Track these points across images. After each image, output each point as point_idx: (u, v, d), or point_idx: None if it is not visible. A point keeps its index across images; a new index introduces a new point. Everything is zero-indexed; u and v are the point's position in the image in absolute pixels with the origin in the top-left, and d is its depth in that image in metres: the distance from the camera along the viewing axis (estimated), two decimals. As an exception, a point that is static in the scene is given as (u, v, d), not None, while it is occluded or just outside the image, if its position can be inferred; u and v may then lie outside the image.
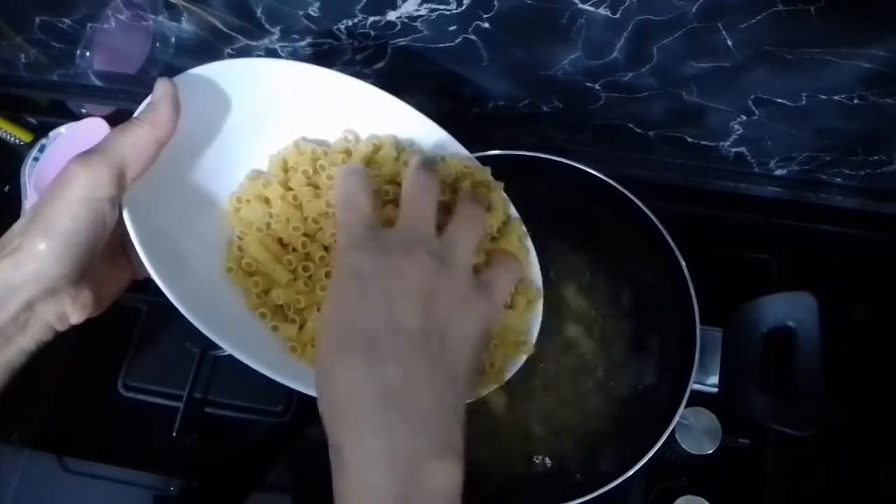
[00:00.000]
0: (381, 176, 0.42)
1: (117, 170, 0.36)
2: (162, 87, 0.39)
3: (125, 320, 0.66)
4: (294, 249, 0.41)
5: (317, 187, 0.42)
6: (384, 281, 0.34)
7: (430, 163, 0.40)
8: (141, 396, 0.64)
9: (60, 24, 0.64)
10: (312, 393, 0.35)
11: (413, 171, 0.38)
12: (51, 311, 0.37)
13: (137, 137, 0.37)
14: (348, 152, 0.45)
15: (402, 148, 0.45)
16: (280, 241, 0.42)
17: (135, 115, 0.39)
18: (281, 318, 0.41)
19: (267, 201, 0.43)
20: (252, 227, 0.43)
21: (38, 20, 0.64)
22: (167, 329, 0.65)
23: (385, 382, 0.32)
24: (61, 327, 0.38)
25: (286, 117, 0.46)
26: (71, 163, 0.36)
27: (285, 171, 0.44)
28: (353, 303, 0.34)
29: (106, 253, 0.39)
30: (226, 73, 0.43)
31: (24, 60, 0.71)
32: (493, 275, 0.38)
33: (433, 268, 0.35)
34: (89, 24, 0.64)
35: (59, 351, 0.66)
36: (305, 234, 0.41)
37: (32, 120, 0.77)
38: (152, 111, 0.39)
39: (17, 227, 0.36)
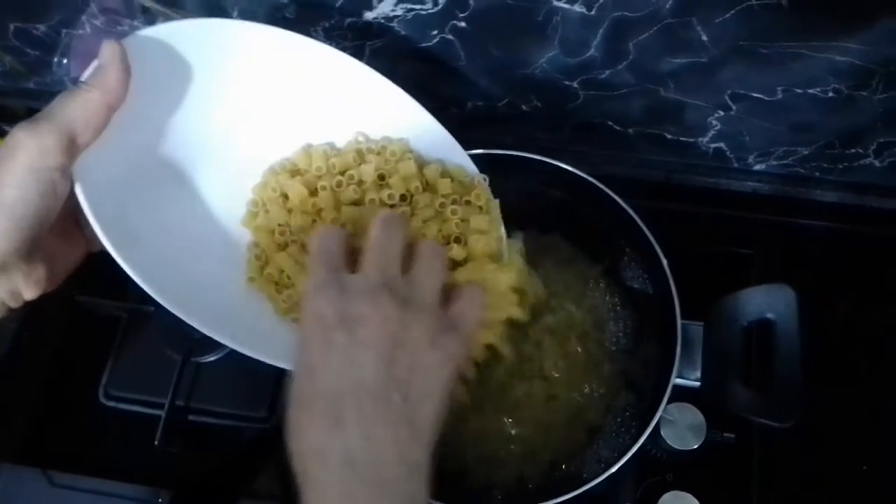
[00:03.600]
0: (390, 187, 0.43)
1: (66, 137, 0.34)
2: (109, 49, 0.37)
3: (105, 328, 0.65)
4: None
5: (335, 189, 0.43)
6: (347, 331, 0.34)
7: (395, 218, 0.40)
8: (122, 405, 0.63)
9: (35, 31, 0.63)
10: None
11: (380, 218, 0.38)
12: (2, 288, 0.35)
13: (86, 102, 0.35)
14: (360, 153, 0.45)
15: (413, 154, 0.45)
16: (302, 246, 0.42)
17: (81, 78, 0.37)
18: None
19: (287, 209, 0.43)
20: (272, 236, 0.43)
21: (12, 27, 0.63)
22: (148, 337, 0.65)
23: (348, 448, 0.32)
24: (15, 304, 0.37)
25: (250, 84, 0.44)
26: (16, 130, 0.34)
27: (294, 174, 0.44)
28: (317, 359, 0.34)
29: (58, 226, 0.37)
30: (181, 33, 0.41)
31: (-1, 69, 0.70)
32: (459, 309, 0.38)
33: (398, 312, 0.34)
34: (64, 31, 0.63)
35: (38, 359, 0.66)
36: None
37: (8, 128, 0.76)
38: (100, 74, 0.36)
39: None
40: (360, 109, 0.46)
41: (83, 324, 0.67)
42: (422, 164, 0.45)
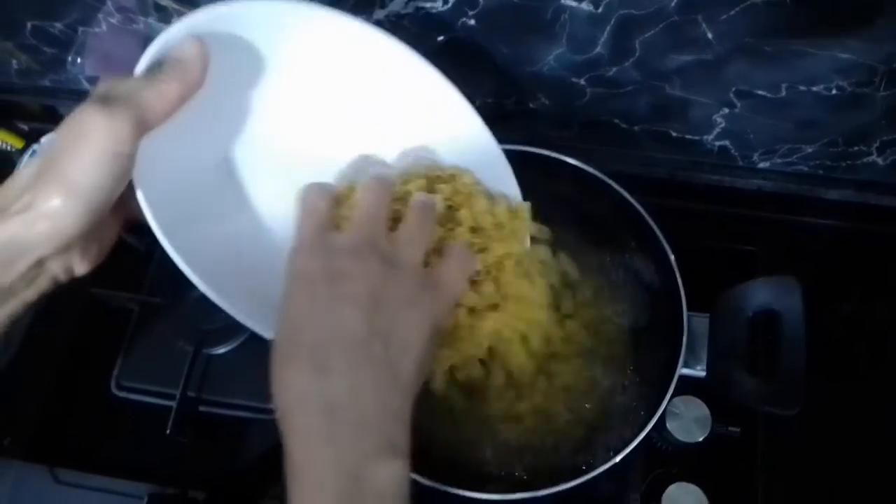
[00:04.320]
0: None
1: (140, 125, 0.34)
2: (193, 47, 0.36)
3: (118, 320, 0.66)
4: None
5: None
6: (331, 285, 0.35)
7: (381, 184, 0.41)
8: (134, 396, 0.64)
9: (52, 29, 0.65)
10: None
11: (368, 181, 0.40)
12: (59, 265, 0.36)
13: (164, 92, 0.35)
14: (430, 179, 0.44)
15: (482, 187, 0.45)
16: None
17: (161, 65, 0.36)
18: None
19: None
20: None
21: (29, 25, 0.65)
22: (160, 328, 0.66)
23: (330, 393, 0.34)
24: (65, 279, 0.37)
25: (310, 75, 0.43)
26: (90, 112, 0.33)
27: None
28: (301, 311, 0.36)
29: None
30: (246, 15, 0.39)
31: (15, 66, 0.71)
32: (442, 270, 0.39)
33: (380, 269, 0.36)
34: (81, 29, 0.64)
35: (51, 351, 0.66)
36: None
37: (24, 126, 0.78)
38: (183, 69, 0.36)
39: (21, 180, 0.34)
40: (417, 114, 0.46)
41: (96, 315, 0.68)
42: (490, 198, 0.45)
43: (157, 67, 0.36)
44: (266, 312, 0.38)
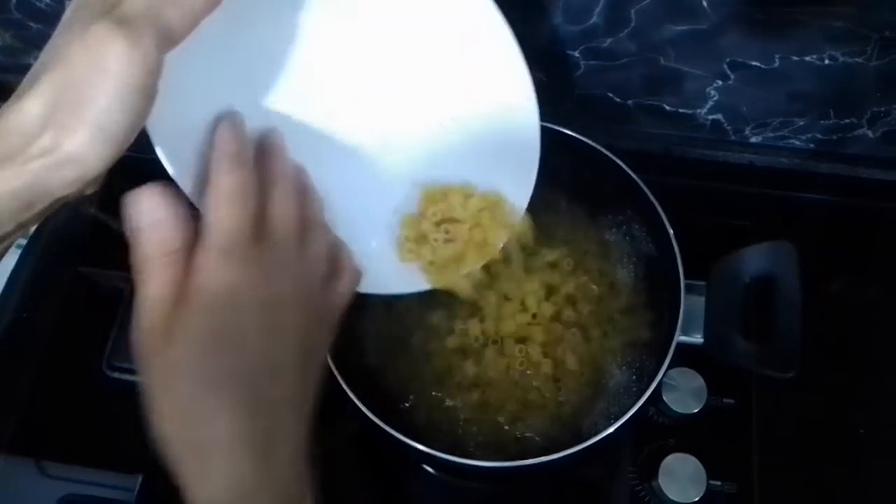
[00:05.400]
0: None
1: (165, 46, 0.29)
2: None
3: (107, 300, 0.65)
4: None
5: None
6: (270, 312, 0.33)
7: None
8: (126, 376, 0.63)
9: (38, 3, 0.63)
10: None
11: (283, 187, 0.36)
12: (75, 196, 0.33)
13: (191, 8, 0.30)
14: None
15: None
16: None
17: None
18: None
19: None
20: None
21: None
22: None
23: (266, 433, 0.32)
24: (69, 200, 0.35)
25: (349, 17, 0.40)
26: (108, 35, 0.27)
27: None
28: (231, 335, 0.32)
29: None
30: None
31: (-1, 44, 0.70)
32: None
33: (304, 286, 0.35)
34: (67, 2, 0.63)
35: (41, 331, 0.65)
36: None
37: (8, 106, 0.77)
38: None
39: (31, 116, 0.28)
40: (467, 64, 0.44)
41: (85, 296, 0.66)
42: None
43: None
44: None
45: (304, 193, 0.37)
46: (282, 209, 0.34)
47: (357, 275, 0.39)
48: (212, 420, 0.30)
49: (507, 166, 0.48)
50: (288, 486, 0.32)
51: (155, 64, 0.29)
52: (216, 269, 0.31)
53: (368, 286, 0.42)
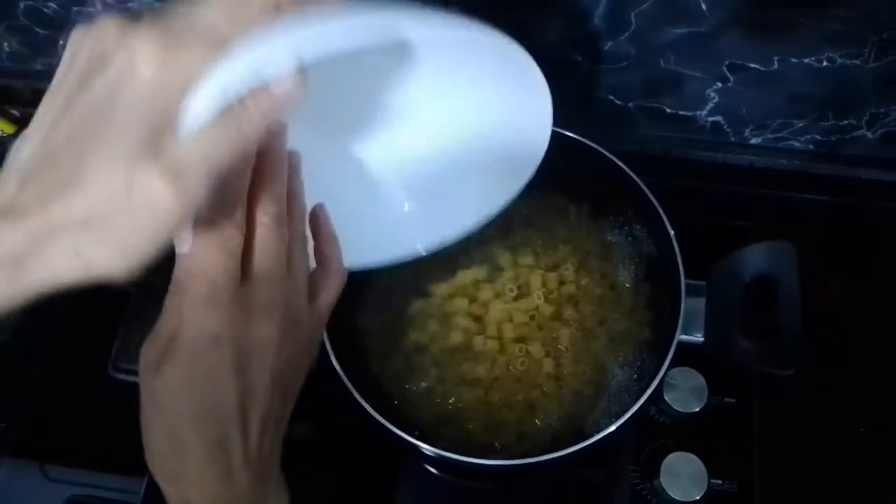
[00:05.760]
0: None
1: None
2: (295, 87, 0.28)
3: (113, 303, 0.66)
4: None
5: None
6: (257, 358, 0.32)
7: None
8: (132, 378, 0.64)
9: (46, 10, 0.64)
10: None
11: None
12: None
13: (243, 147, 0.28)
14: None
15: None
16: None
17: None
18: None
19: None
20: None
21: (22, 5, 0.64)
22: (158, 309, 0.65)
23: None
24: None
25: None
26: (164, 187, 0.26)
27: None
28: (223, 389, 0.32)
29: None
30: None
31: (6, 49, 0.71)
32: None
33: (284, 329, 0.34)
34: (74, 9, 0.64)
35: (47, 333, 0.66)
36: None
37: (15, 112, 0.77)
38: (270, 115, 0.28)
39: (59, 219, 0.27)
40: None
41: (92, 297, 0.67)
42: None
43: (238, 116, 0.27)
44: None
45: (290, 211, 0.35)
46: (267, 243, 0.33)
47: (342, 276, 0.38)
48: (186, 454, 0.32)
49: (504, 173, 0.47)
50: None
51: (199, 199, 0.28)
52: (201, 319, 0.31)
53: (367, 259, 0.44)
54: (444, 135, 0.45)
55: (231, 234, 0.31)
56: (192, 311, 0.31)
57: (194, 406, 0.32)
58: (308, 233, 0.38)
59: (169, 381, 0.31)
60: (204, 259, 0.31)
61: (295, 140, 0.35)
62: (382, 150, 0.45)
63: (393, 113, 0.43)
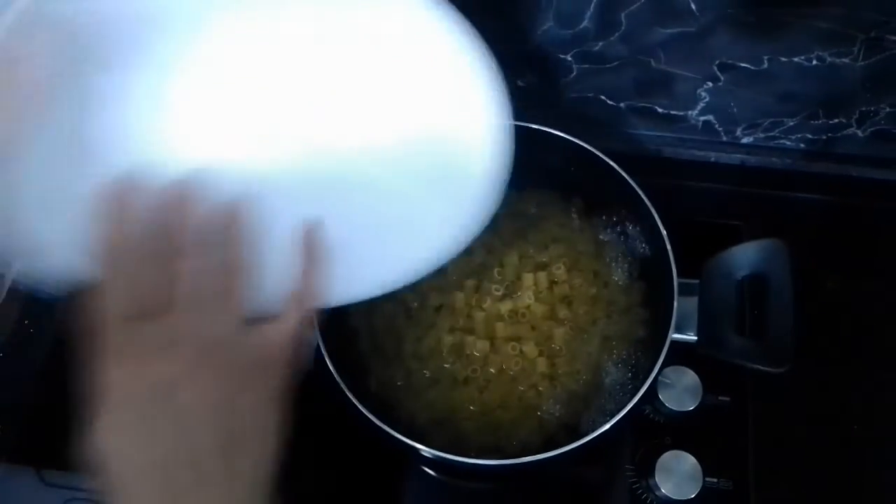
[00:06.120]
0: None
1: None
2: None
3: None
4: None
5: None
6: (161, 402, 0.31)
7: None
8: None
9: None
10: None
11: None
12: None
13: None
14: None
15: None
16: None
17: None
18: None
19: None
20: None
21: None
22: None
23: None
24: None
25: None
26: None
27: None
28: (129, 437, 0.32)
29: None
30: None
31: None
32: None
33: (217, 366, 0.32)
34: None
35: (40, 340, 0.66)
36: None
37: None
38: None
39: None
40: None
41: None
42: None
43: None
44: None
45: (228, 241, 0.34)
46: (192, 269, 0.32)
47: (307, 302, 0.36)
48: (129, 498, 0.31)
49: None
50: None
51: None
52: (109, 371, 0.31)
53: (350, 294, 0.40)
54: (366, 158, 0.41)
55: (128, 279, 0.32)
56: (104, 367, 0.31)
57: (130, 457, 0.31)
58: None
59: (105, 431, 0.31)
60: (105, 312, 0.32)
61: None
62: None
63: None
